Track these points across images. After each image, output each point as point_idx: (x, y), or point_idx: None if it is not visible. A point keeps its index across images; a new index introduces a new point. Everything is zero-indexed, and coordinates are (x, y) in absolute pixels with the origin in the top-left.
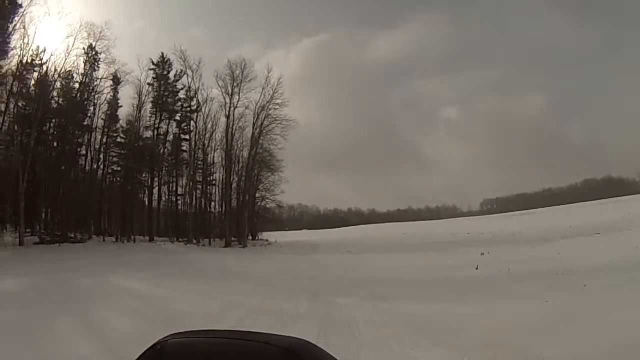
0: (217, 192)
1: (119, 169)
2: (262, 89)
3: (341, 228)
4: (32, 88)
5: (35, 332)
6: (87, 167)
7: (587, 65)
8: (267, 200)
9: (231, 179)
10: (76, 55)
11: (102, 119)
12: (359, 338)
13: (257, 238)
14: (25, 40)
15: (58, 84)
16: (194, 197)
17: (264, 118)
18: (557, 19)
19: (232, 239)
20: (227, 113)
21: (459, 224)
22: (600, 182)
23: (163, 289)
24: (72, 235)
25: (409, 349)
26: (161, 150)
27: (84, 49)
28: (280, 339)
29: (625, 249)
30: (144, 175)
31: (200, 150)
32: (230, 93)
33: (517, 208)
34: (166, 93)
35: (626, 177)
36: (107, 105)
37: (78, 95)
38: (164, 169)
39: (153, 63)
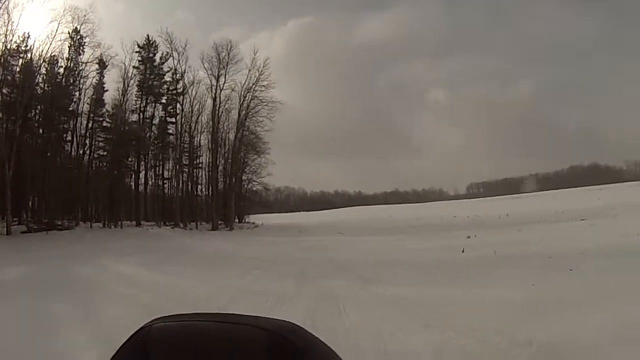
0: (203, 176)
1: (105, 154)
2: (249, 70)
3: (328, 210)
4: (17, 75)
5: (32, 322)
6: (73, 153)
7: (580, 53)
8: (253, 182)
9: (218, 161)
10: (61, 40)
11: (87, 103)
12: (348, 321)
13: (244, 221)
14: (10, 27)
15: (43, 70)
16: (180, 181)
17: (250, 100)
18: (552, 5)
19: (219, 222)
20: (213, 95)
21: (445, 207)
22: (587, 169)
23: (154, 274)
24: (60, 223)
25: (398, 331)
26: (147, 134)
27: (68, 33)
28: (268, 322)
29: (611, 235)
30: (130, 159)
31: (186, 134)
32: (216, 75)
33: (503, 192)
34: (152, 76)
35: (613, 165)
36: (92, 89)
37: (63, 80)
38: (150, 153)
39: (139, 46)
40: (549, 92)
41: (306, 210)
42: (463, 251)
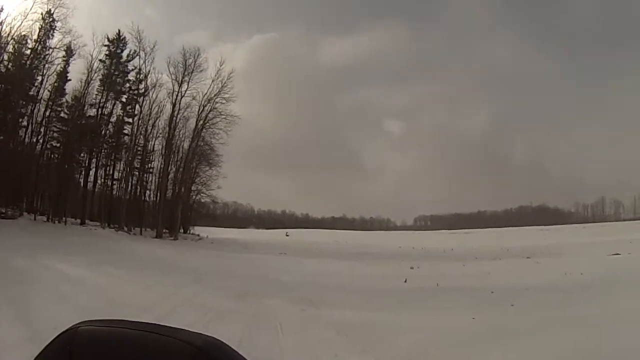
0: (153, 181)
1: (58, 145)
2: (212, 81)
3: (274, 230)
4: None
5: None
6: (26, 140)
7: (538, 92)
8: (202, 194)
9: (169, 168)
10: (32, 20)
11: (48, 90)
12: (284, 342)
13: (188, 232)
14: None
15: (10, 48)
16: (130, 184)
17: (209, 111)
18: (512, 43)
19: (164, 230)
20: (173, 101)
21: (391, 237)
22: (535, 210)
23: (95, 276)
24: (4, 211)
25: (334, 355)
26: (103, 131)
27: (41, 14)
28: (194, 336)
29: (554, 274)
30: (82, 155)
31: (141, 136)
32: (180, 81)
33: (451, 227)
34: (116, 72)
35: (561, 207)
36: (55, 77)
37: (28, 62)
38: (103, 151)
39: (108, 39)
40: (503, 129)
41: (253, 228)
42: (406, 281)
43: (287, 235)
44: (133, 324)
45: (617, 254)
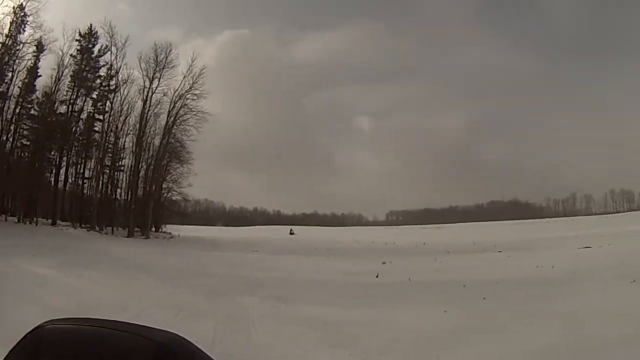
0: (124, 179)
1: (28, 143)
2: (183, 77)
3: (246, 227)
4: None
5: None
6: None
7: (510, 92)
8: (173, 192)
9: (140, 166)
10: (3, 14)
11: (18, 87)
12: (257, 338)
13: (160, 230)
14: None
15: None
16: (100, 182)
17: (180, 107)
18: (487, 45)
19: (136, 229)
20: (144, 97)
21: (363, 233)
22: (507, 205)
23: (66, 276)
24: None
25: (306, 351)
26: (73, 129)
27: (13, 8)
28: (158, 333)
29: (526, 267)
30: (52, 153)
31: (112, 133)
32: (151, 77)
33: (422, 222)
34: (87, 68)
35: (533, 202)
36: (25, 72)
37: None
38: (74, 148)
39: (80, 34)
40: (474, 126)
41: (224, 225)
42: (377, 276)
43: (291, 234)
44: (98, 322)
45: (589, 247)
